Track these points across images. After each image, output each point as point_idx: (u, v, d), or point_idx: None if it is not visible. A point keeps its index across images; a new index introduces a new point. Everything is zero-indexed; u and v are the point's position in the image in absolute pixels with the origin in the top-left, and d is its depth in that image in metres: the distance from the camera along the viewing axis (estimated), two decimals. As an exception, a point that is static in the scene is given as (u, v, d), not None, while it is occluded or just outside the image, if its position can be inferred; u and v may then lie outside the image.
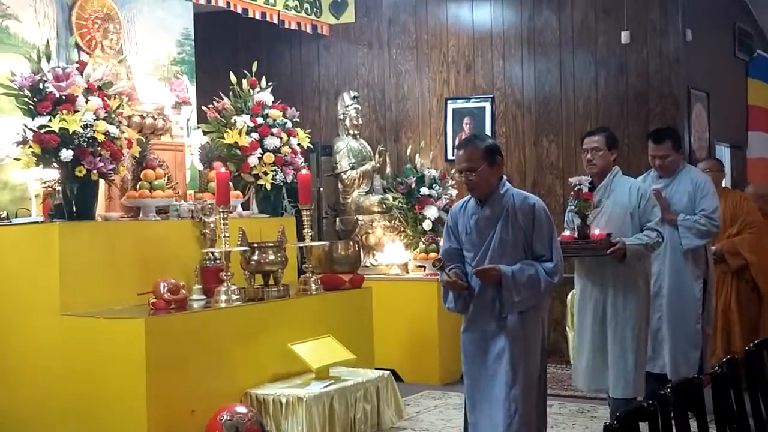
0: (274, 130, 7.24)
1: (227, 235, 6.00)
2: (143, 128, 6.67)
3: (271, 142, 7.18)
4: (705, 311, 6.24)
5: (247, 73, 7.38)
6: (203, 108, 7.48)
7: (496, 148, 4.57)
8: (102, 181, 6.02)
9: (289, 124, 7.41)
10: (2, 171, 6.37)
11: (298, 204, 6.76)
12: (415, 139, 9.27)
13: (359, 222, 8.71)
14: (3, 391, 5.80)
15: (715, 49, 9.23)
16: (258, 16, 8.61)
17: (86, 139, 5.72)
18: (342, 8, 9.46)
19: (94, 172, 5.79)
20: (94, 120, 5.78)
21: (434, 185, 8.53)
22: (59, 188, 5.93)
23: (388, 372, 6.50)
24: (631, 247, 5.37)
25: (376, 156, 8.97)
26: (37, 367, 5.74)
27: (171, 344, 5.49)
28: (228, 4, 8.24)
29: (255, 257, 6.29)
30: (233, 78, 7.32)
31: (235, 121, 7.14)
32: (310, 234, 6.63)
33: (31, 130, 5.72)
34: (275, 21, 8.80)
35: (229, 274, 6.02)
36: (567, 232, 5.61)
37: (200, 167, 7.25)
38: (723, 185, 7.44)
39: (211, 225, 6.42)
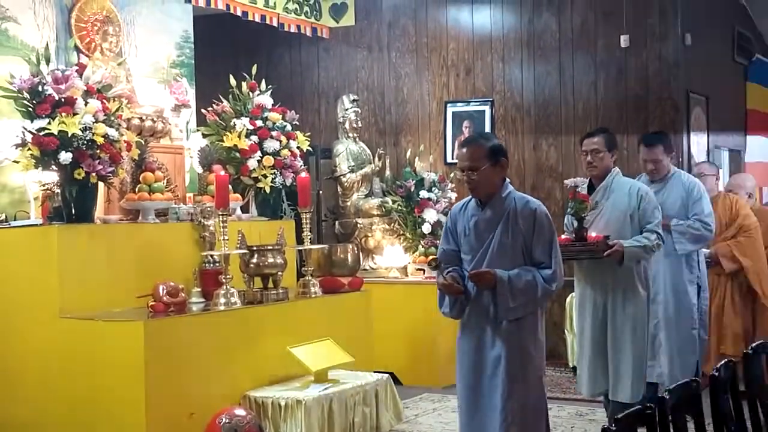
0: (274, 133, 7.24)
1: (226, 238, 6.00)
2: (142, 131, 6.67)
3: (271, 145, 7.18)
4: (699, 316, 6.25)
5: (247, 76, 7.38)
6: (203, 111, 7.48)
7: (500, 149, 4.47)
8: (101, 184, 6.02)
9: (289, 127, 7.41)
10: (1, 173, 6.37)
11: (298, 207, 6.77)
12: (414, 143, 9.28)
13: (358, 225, 8.71)
14: (2, 394, 5.79)
15: (714, 53, 9.24)
16: (258, 19, 8.62)
17: (85, 142, 5.72)
18: (342, 11, 9.47)
19: (93, 174, 5.79)
20: (93, 123, 5.78)
21: (433, 188, 8.53)
22: (58, 191, 5.93)
23: (387, 375, 6.50)
24: (629, 250, 5.34)
25: (376, 159, 8.98)
26: (36, 370, 5.74)
27: (170, 347, 5.49)
28: (228, 6, 8.24)
29: (254, 260, 6.29)
30: (233, 81, 7.33)
31: (235, 124, 7.14)
32: (309, 237, 6.64)
33: (30, 132, 5.72)
34: (275, 24, 8.81)
35: (228, 277, 6.02)
36: (564, 235, 5.57)
37: (199, 170, 7.25)
38: (719, 189, 7.39)
39: (211, 228, 6.42)
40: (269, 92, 7.47)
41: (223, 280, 6.01)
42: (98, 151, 5.79)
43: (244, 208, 7.34)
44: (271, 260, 6.33)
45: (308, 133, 7.72)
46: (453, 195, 8.58)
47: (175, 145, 7.14)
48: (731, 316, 6.83)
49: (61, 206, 5.90)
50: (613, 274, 5.46)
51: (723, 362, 3.62)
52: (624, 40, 8.25)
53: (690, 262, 6.21)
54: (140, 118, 6.68)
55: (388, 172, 9.00)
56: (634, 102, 8.33)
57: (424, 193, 8.45)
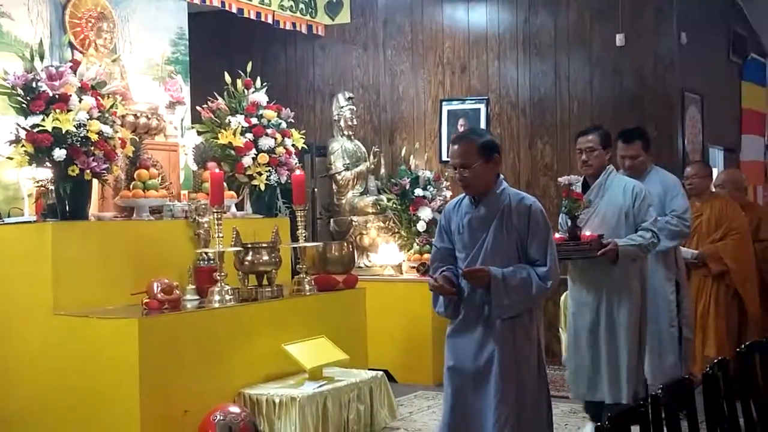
0: (269, 131, 7.24)
1: (221, 235, 6.01)
2: (137, 128, 6.68)
3: (266, 142, 7.19)
4: (681, 314, 6.17)
5: (242, 73, 7.38)
6: (197, 108, 7.48)
7: (492, 145, 4.39)
8: (95, 181, 6.02)
9: (284, 125, 7.42)
10: (-5, 170, 6.37)
11: (293, 205, 6.77)
12: (409, 141, 9.29)
13: (353, 223, 8.72)
14: (-4, 391, 5.81)
15: (709, 52, 9.26)
16: (253, 16, 8.61)
17: (79, 139, 5.71)
18: (337, 9, 9.46)
19: (88, 171, 5.78)
20: (88, 119, 5.78)
21: (429, 187, 8.54)
22: (52, 188, 5.92)
23: (381, 372, 6.51)
24: (624, 249, 5.28)
25: (371, 157, 8.98)
26: (30, 367, 5.73)
27: (164, 344, 5.49)
28: (223, 3, 8.23)
29: (249, 258, 6.30)
30: (228, 78, 7.33)
31: (230, 122, 7.15)
32: (304, 235, 6.64)
33: (24, 129, 5.71)
34: (270, 21, 8.80)
35: (222, 274, 6.02)
36: (557, 234, 5.48)
37: (194, 167, 7.24)
38: (711, 189, 7.32)
39: (205, 225, 6.42)
40: (264, 90, 7.48)
41: (218, 278, 6.01)
42: (92, 147, 5.78)
43: (239, 206, 7.34)
44: (265, 258, 6.33)
45: (303, 131, 7.73)
46: (448, 193, 8.60)
47: (170, 142, 7.14)
48: (715, 318, 6.76)
49: (55, 203, 5.89)
50: (608, 273, 5.39)
51: (716, 360, 3.63)
52: (619, 39, 8.27)
53: (667, 260, 6.13)
54: (135, 115, 6.69)
55: (383, 170, 9.01)
56: (629, 101, 8.34)
57: (419, 191, 8.46)
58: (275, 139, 7.26)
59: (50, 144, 5.65)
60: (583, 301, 5.54)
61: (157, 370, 5.40)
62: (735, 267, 6.76)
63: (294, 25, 9.10)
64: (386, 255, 8.49)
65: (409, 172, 8.62)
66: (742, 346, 3.98)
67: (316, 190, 9.07)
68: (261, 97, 7.38)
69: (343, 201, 8.87)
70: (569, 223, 5.44)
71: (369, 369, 6.64)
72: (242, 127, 7.13)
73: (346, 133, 8.95)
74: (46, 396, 5.66)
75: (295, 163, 7.41)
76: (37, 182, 6.14)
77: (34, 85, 5.75)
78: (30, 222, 6.00)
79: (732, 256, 6.77)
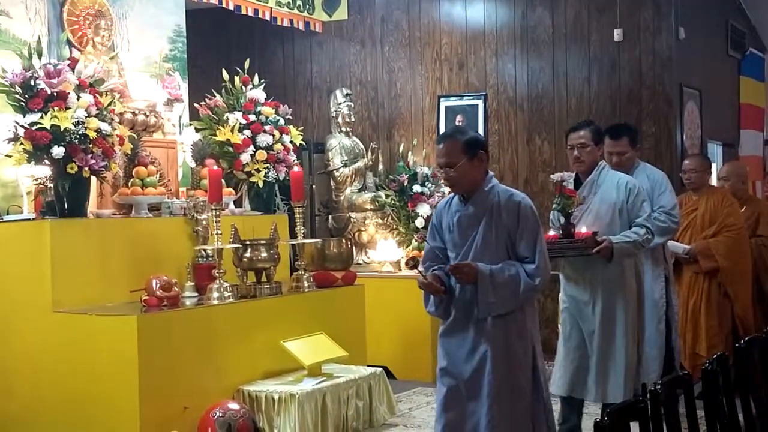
0: (267, 128, 7.25)
1: (219, 232, 6.01)
2: (135, 125, 6.68)
3: (264, 139, 7.19)
4: (670, 309, 6.11)
5: (240, 70, 7.38)
6: (195, 105, 7.48)
7: (477, 142, 4.30)
8: (94, 178, 6.02)
9: (282, 122, 7.42)
10: (-7, 168, 6.38)
11: (291, 201, 6.78)
12: (407, 137, 9.29)
13: (352, 219, 8.72)
14: (-5, 389, 5.82)
15: (707, 47, 9.27)
16: (250, 13, 8.62)
17: (78, 136, 5.72)
18: (335, 5, 9.47)
19: (86, 169, 5.79)
20: (86, 117, 5.78)
21: (427, 183, 8.55)
22: (51, 185, 5.93)
23: (380, 369, 6.52)
24: (619, 246, 5.18)
25: (369, 153, 8.99)
26: (29, 364, 5.75)
27: (163, 341, 5.50)
28: (220, 0, 8.24)
29: (247, 254, 6.30)
30: (225, 75, 7.33)
31: (228, 119, 7.15)
32: (302, 231, 6.65)
33: (22, 127, 5.72)
34: (267, 18, 8.81)
35: (221, 271, 6.03)
36: (552, 232, 5.40)
37: (192, 164, 7.24)
38: (711, 184, 7.25)
39: (204, 222, 6.42)
40: (262, 86, 7.48)
41: (216, 275, 6.02)
42: (91, 145, 5.79)
43: (237, 203, 7.35)
44: (264, 254, 6.34)
45: (301, 128, 7.74)
46: (446, 189, 8.57)
47: (168, 139, 7.14)
48: (706, 316, 6.61)
49: (53, 201, 5.90)
50: (603, 271, 5.29)
51: (715, 356, 3.64)
52: (617, 34, 8.27)
53: (655, 256, 6.06)
54: (133, 113, 6.69)
55: (381, 167, 9.02)
56: (627, 96, 8.35)
57: (417, 188, 8.47)
58: (273, 136, 7.26)
59: (49, 142, 5.65)
60: (578, 299, 5.43)
61: (156, 367, 5.41)
62: (726, 265, 6.60)
63: (291, 21, 9.11)
64: (385, 251, 8.50)
65: (407, 168, 8.62)
66: (741, 341, 3.99)
67: (314, 186, 9.07)
68: (259, 94, 7.38)
69: (342, 198, 8.87)
70: (562, 221, 5.33)
71: (368, 365, 6.64)
72: (240, 124, 7.13)
73: (344, 129, 8.95)
74: (46, 393, 5.67)
75: (294, 160, 7.42)
76: (36, 180, 6.14)
77: (32, 83, 5.76)
78: (29, 219, 6.01)
79: (724, 254, 6.61)
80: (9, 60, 6.20)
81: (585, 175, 5.47)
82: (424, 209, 8.40)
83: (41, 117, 5.67)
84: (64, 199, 5.84)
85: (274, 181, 7.30)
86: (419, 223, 8.38)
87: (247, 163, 7.12)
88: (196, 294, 6.02)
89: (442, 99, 9.19)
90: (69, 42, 6.84)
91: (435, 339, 7.49)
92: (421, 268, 4.42)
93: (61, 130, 5.66)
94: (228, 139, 7.06)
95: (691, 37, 8.47)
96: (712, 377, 3.52)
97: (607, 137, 6.14)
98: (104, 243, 5.98)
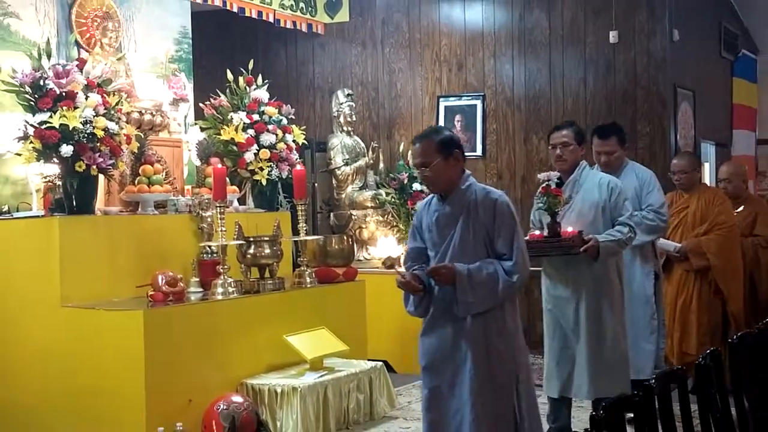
0: (270, 127, 7.25)
1: (224, 229, 6.03)
2: (142, 124, 6.69)
3: (267, 138, 7.20)
4: (659, 305, 6.04)
5: (244, 71, 7.39)
6: (200, 105, 7.49)
7: (451, 141, 4.22)
8: (101, 176, 6.03)
9: (285, 121, 7.42)
10: (4, 166, 6.37)
11: (293, 199, 6.78)
12: (407, 136, 9.28)
13: (353, 217, 8.73)
14: (5, 381, 5.81)
15: (701, 49, 9.27)
16: (254, 15, 8.62)
17: (86, 135, 5.73)
18: (336, 8, 9.47)
19: (94, 167, 5.80)
20: (94, 116, 5.79)
21: (426, 181, 8.54)
22: (59, 183, 5.94)
23: (380, 363, 6.53)
24: (604, 245, 5.10)
25: (370, 152, 8.99)
26: (39, 358, 5.75)
27: (169, 336, 5.51)
28: (224, 2, 8.24)
29: (251, 251, 6.31)
30: (230, 75, 7.34)
31: (232, 118, 7.16)
32: (304, 228, 6.66)
33: (32, 126, 5.72)
34: (271, 20, 8.81)
35: (225, 267, 6.04)
36: (537, 231, 5.33)
37: (197, 163, 7.25)
38: (702, 184, 7.15)
39: (209, 219, 6.43)
40: (265, 87, 7.48)
41: (221, 270, 6.03)
42: (99, 144, 5.80)
43: (241, 200, 7.35)
44: (267, 251, 6.35)
45: (304, 127, 7.74)
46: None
47: (174, 138, 7.15)
48: (696, 313, 6.52)
49: (62, 198, 5.91)
50: (588, 269, 5.21)
51: (708, 351, 3.64)
52: (613, 36, 8.28)
53: (644, 254, 6.00)
54: (140, 112, 6.69)
55: (381, 165, 9.02)
56: (622, 97, 8.35)
57: (416, 186, 8.45)
58: (276, 135, 7.27)
59: (57, 140, 5.66)
60: (561, 297, 5.33)
61: (162, 361, 5.42)
62: (717, 263, 6.51)
63: (294, 23, 9.11)
64: (385, 248, 8.50)
65: (407, 167, 8.62)
66: (734, 337, 3.99)
67: (316, 184, 9.08)
68: (262, 94, 7.38)
69: (343, 195, 8.88)
70: (546, 220, 5.25)
71: (368, 360, 6.65)
72: (244, 123, 7.13)
73: (345, 129, 8.95)
74: (55, 385, 5.68)
75: (296, 159, 7.42)
76: (45, 178, 6.15)
77: (41, 83, 5.76)
78: (38, 216, 6.01)
79: (715, 252, 6.52)
80: (19, 60, 6.21)
81: (566, 174, 5.37)
82: (423, 207, 8.39)
83: (50, 116, 5.68)
84: (73, 197, 5.84)
85: (277, 179, 7.31)
86: (419, 220, 8.37)
87: (250, 162, 7.12)
88: (201, 289, 6.03)
89: (441, 99, 9.20)
90: (77, 43, 6.86)
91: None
92: (401, 268, 4.37)
93: (70, 129, 5.67)
94: (232, 138, 7.07)
95: (685, 39, 8.48)
96: (705, 372, 3.53)
97: (595, 137, 6.11)
98: (112, 239, 5.99)
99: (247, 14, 8.55)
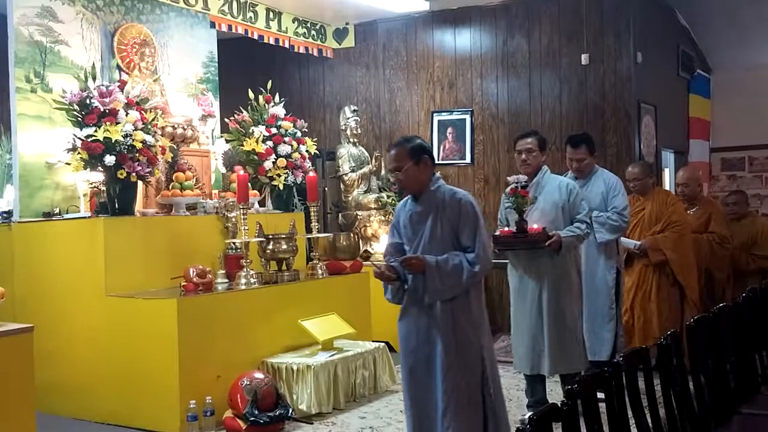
0: (286, 139, 7.26)
1: (246, 228, 6.03)
2: (175, 137, 6.70)
3: (284, 149, 7.20)
4: (619, 297, 5.98)
5: (263, 90, 7.39)
6: (226, 120, 7.49)
7: (421, 149, 4.18)
8: (140, 182, 6.05)
9: (299, 134, 7.43)
10: (55, 174, 6.38)
11: (307, 201, 6.79)
12: (406, 146, 9.26)
13: (358, 217, 8.73)
14: (59, 361, 5.83)
15: (661, 69, 9.26)
16: (272, 42, 8.63)
17: (126, 147, 5.74)
18: (343, 35, 9.49)
19: (133, 174, 5.82)
20: (133, 130, 5.81)
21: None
22: (103, 188, 5.95)
23: (383, 344, 6.53)
24: (566, 239, 5.12)
25: (373, 160, 8.99)
26: (87, 341, 5.78)
27: (199, 321, 5.52)
28: (246, 31, 8.26)
29: (270, 247, 6.32)
30: (251, 94, 7.34)
31: (253, 131, 7.16)
32: (316, 227, 6.66)
33: (79, 139, 5.74)
34: (287, 46, 8.82)
35: (248, 261, 6.05)
36: (506, 228, 5.32)
37: (223, 170, 7.26)
38: (655, 187, 6.99)
39: (233, 219, 6.44)
40: (282, 104, 7.49)
41: (244, 264, 6.04)
42: (137, 154, 5.81)
43: (261, 203, 7.36)
44: (284, 247, 6.36)
45: (315, 139, 7.75)
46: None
47: (203, 149, 7.16)
48: (657, 303, 6.45)
49: (106, 202, 5.92)
50: (549, 261, 5.21)
51: (669, 333, 3.65)
52: (584, 59, 8.25)
53: (608, 251, 5.94)
54: (173, 127, 6.71)
55: (383, 172, 9.00)
56: (593, 111, 8.34)
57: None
58: (292, 146, 7.27)
59: (102, 151, 5.68)
60: (526, 287, 5.31)
61: (193, 343, 5.44)
62: (674, 257, 6.46)
63: (307, 49, 9.12)
64: (386, 244, 8.48)
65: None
66: (691, 320, 3.99)
67: (326, 189, 9.07)
68: (279, 111, 7.39)
69: (350, 198, 8.87)
70: (516, 218, 5.21)
71: (372, 341, 6.65)
72: (263, 135, 7.14)
73: (351, 140, 8.95)
74: (99, 364, 5.70)
75: (309, 167, 7.43)
76: (91, 184, 6.17)
77: (87, 101, 5.78)
78: (85, 218, 6.03)
79: (671, 248, 6.46)
80: (68, 82, 6.23)
81: (530, 177, 5.36)
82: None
83: (95, 130, 5.69)
84: (115, 200, 5.86)
85: (292, 184, 7.32)
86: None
87: (269, 169, 7.13)
88: (227, 280, 6.04)
89: (435, 114, 9.19)
90: (119, 67, 6.87)
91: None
92: (380, 261, 4.31)
93: (112, 141, 5.68)
94: (253, 149, 7.07)
95: (648, 61, 8.46)
96: (666, 351, 3.53)
97: (568, 146, 6.07)
98: (149, 237, 6.00)
99: (266, 41, 8.56)
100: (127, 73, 6.88)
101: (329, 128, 9.77)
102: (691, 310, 6.39)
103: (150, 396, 5.45)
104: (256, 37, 8.41)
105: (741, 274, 7.18)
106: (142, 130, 5.86)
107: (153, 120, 6.06)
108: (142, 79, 6.92)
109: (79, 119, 5.79)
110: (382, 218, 8.68)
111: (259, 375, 5.57)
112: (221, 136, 7.52)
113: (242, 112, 7.34)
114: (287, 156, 7.21)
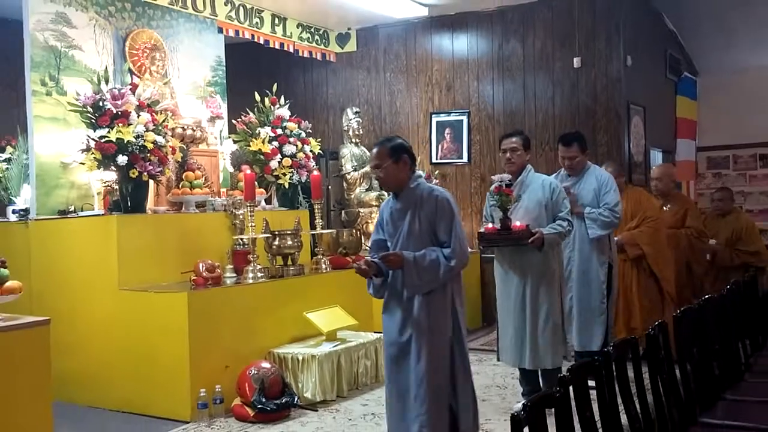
0: (291, 139, 7.27)
1: (253, 224, 6.04)
2: (184, 138, 6.70)
3: (289, 149, 7.21)
4: (610, 292, 5.93)
5: (269, 93, 7.40)
6: (233, 121, 7.50)
7: (401, 148, 4.14)
8: (151, 181, 6.05)
9: (303, 135, 7.44)
10: (70, 173, 6.39)
11: (311, 199, 6.79)
12: (405, 146, 9.27)
13: (360, 214, 8.74)
14: (75, 352, 5.84)
15: (650, 72, 9.26)
16: (277, 46, 8.63)
17: (138, 147, 5.75)
18: (346, 40, 9.49)
19: (145, 174, 5.82)
20: (145, 131, 5.81)
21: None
22: (116, 187, 5.96)
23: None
24: (548, 236, 5.06)
25: (374, 160, 8.98)
26: (102, 332, 5.78)
27: (208, 313, 5.53)
28: (253, 36, 8.26)
29: (276, 242, 6.32)
30: (257, 97, 7.35)
31: (259, 132, 7.17)
32: (320, 223, 6.67)
33: (93, 140, 5.75)
34: (291, 50, 8.83)
35: (255, 256, 6.06)
36: (490, 225, 5.26)
37: (231, 170, 7.27)
38: (629, 185, 6.96)
39: (240, 216, 6.45)
40: (287, 106, 7.49)
41: (251, 259, 6.05)
42: (149, 154, 5.82)
43: (268, 201, 7.37)
44: (289, 242, 6.36)
45: (319, 139, 7.76)
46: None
47: (211, 149, 7.16)
48: (637, 295, 6.40)
49: (119, 200, 5.93)
50: (532, 257, 5.16)
51: (656, 324, 3.65)
52: (576, 62, 8.26)
53: (600, 246, 5.87)
54: (182, 128, 6.71)
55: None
56: (584, 112, 8.35)
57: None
58: (296, 146, 7.28)
59: (114, 152, 5.68)
60: (510, 282, 5.27)
61: (203, 334, 5.44)
62: (650, 251, 6.41)
63: (311, 53, 9.13)
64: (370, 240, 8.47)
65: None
66: (678, 311, 4.00)
67: (330, 187, 9.09)
68: (284, 112, 7.40)
69: (352, 196, 8.88)
70: (500, 215, 5.16)
71: (374, 332, 6.65)
72: (269, 136, 7.15)
73: (353, 140, 8.96)
74: (113, 355, 5.71)
75: (313, 166, 7.44)
76: (105, 183, 6.18)
77: (101, 104, 5.79)
78: (99, 215, 6.04)
79: (647, 242, 6.40)
80: (82, 85, 6.24)
81: (515, 175, 5.30)
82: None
83: (108, 132, 5.70)
84: (128, 198, 5.87)
85: (297, 182, 7.32)
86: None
87: (275, 169, 7.14)
88: (235, 275, 6.04)
89: (433, 115, 9.20)
90: (130, 70, 6.88)
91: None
92: (368, 257, 4.26)
93: (125, 142, 5.69)
94: (260, 149, 7.08)
95: (637, 64, 8.47)
96: (654, 341, 3.54)
97: (560, 144, 6.00)
98: (160, 234, 6.00)
99: (272, 45, 8.57)
100: (138, 77, 6.89)
101: (332, 129, 9.78)
102: (668, 303, 6.36)
103: (162, 385, 5.46)
104: (262, 41, 8.41)
105: (725, 269, 7.16)
106: (153, 131, 5.87)
107: (163, 121, 6.07)
108: (152, 82, 6.93)
109: (93, 121, 5.80)
110: (383, 215, 8.68)
111: (266, 365, 5.58)
112: (229, 137, 7.53)
113: (249, 114, 7.35)
114: (292, 156, 7.22)
